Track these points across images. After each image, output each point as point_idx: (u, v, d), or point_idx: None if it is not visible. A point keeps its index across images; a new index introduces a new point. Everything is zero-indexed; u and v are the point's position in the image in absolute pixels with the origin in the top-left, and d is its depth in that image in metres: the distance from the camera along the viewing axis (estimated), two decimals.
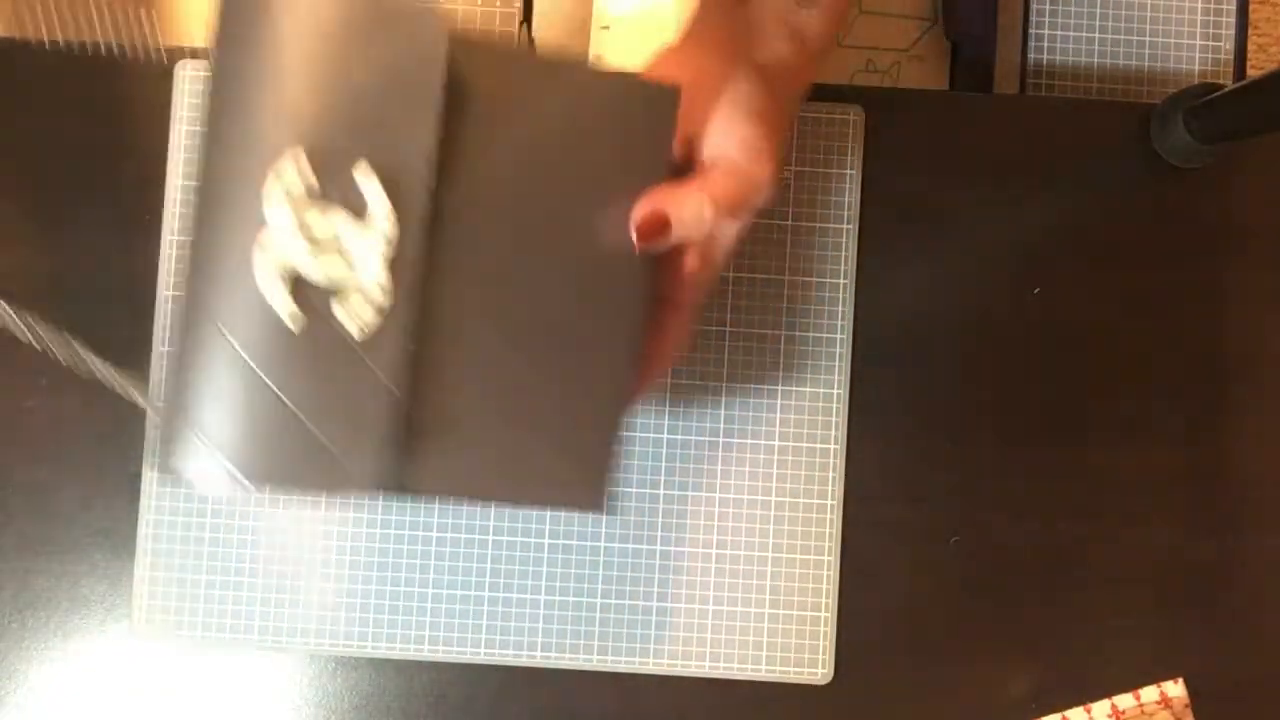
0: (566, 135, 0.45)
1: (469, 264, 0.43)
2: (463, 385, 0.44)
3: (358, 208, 0.38)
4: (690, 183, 0.46)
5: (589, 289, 0.46)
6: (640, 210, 0.46)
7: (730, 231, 0.49)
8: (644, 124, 0.46)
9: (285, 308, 0.39)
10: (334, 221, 0.38)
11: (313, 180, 0.38)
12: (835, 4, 0.51)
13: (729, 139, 0.47)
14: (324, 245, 0.38)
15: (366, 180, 0.39)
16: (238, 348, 0.39)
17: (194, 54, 0.65)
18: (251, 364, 0.39)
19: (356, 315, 0.40)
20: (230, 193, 0.38)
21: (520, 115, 0.43)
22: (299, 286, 0.39)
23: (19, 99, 0.65)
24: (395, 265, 0.40)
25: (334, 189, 0.38)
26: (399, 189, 0.39)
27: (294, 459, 0.40)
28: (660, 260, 0.48)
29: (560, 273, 0.45)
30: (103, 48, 0.65)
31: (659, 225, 0.45)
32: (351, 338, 0.40)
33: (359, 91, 0.38)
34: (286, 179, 0.38)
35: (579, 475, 0.47)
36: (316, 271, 0.39)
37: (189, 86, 0.65)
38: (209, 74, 0.38)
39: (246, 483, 0.40)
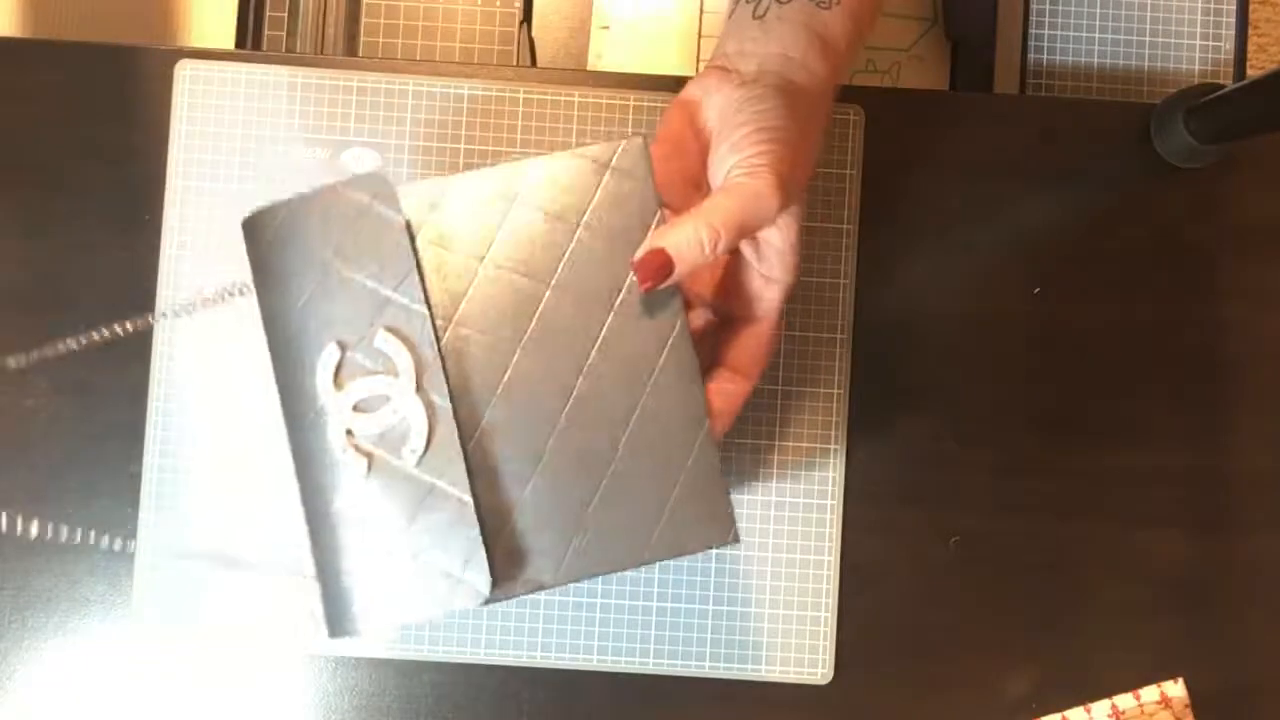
0: (549, 223, 0.49)
1: (497, 370, 0.49)
2: (541, 475, 0.49)
3: (388, 365, 0.48)
4: (687, 214, 0.47)
5: (627, 344, 0.49)
6: (639, 252, 0.48)
7: (779, 241, 0.50)
8: (621, 182, 0.49)
9: (352, 459, 0.47)
10: (371, 385, 0.47)
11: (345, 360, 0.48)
12: (858, 2, 0.51)
13: (730, 159, 0.48)
14: (370, 403, 0.48)
15: (386, 341, 0.48)
16: (343, 502, 0.47)
17: (194, 54, 0.65)
18: (355, 513, 0.47)
19: (409, 448, 0.47)
20: (295, 386, 0.48)
21: (496, 226, 0.49)
22: (360, 441, 0.48)
23: (19, 99, 0.65)
24: (426, 393, 0.47)
25: (366, 359, 0.48)
26: (412, 338, 0.48)
27: (418, 588, 0.47)
28: (726, 284, 0.52)
29: (592, 341, 0.49)
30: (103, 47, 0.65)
31: (659, 262, 0.47)
32: (409, 465, 0.47)
33: (356, 286, 0.48)
34: (328, 368, 0.48)
35: (702, 513, 0.49)
36: (366, 426, 0.47)
37: (189, 86, 0.65)
38: (259, 299, 0.49)
39: (390, 619, 0.47)
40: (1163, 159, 0.66)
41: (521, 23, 0.83)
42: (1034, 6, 0.84)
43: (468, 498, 0.47)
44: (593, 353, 0.49)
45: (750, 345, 0.52)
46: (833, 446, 0.65)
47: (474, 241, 0.49)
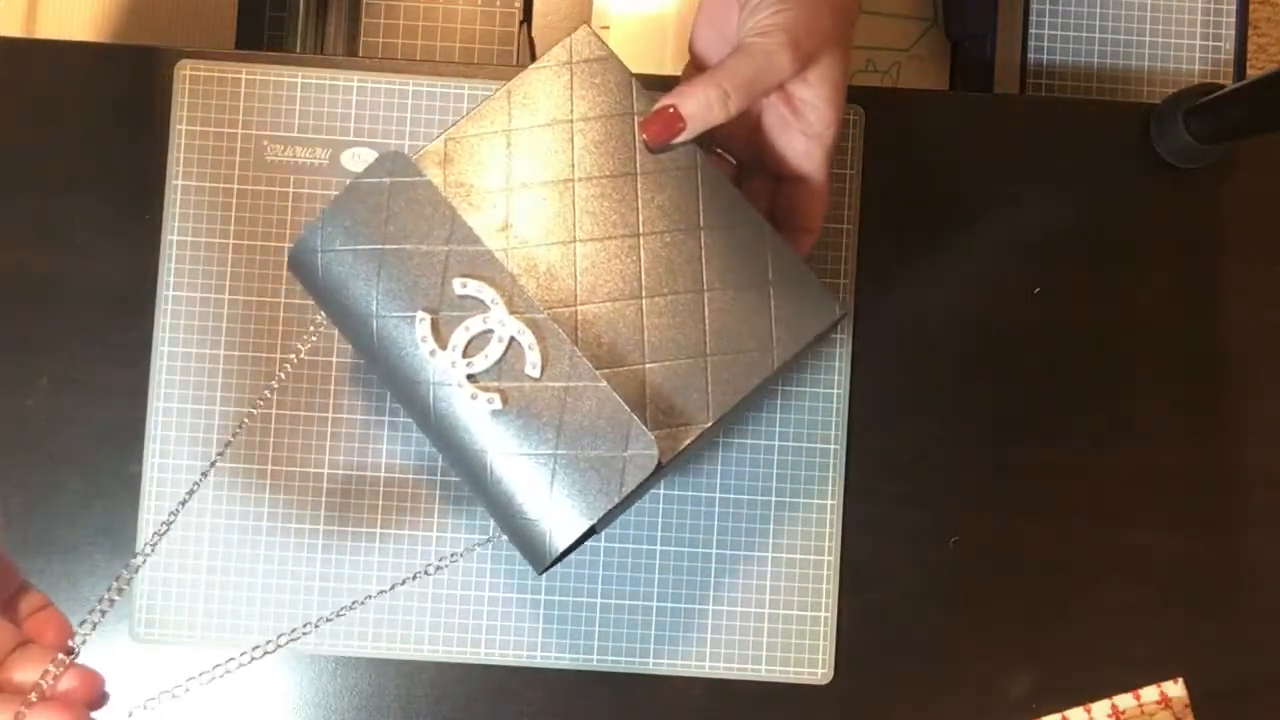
0: (546, 132, 0.53)
1: (567, 268, 0.52)
2: (649, 338, 0.52)
3: (476, 305, 0.50)
4: (699, 76, 0.50)
5: (665, 198, 0.53)
6: (652, 110, 0.51)
7: (813, 97, 0.52)
8: (587, 68, 0.53)
9: (484, 400, 0.50)
10: (469, 326, 0.50)
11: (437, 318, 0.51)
12: None
13: (747, 23, 0.50)
14: (474, 345, 0.50)
15: (463, 285, 0.50)
16: (494, 449, 0.50)
17: (194, 54, 0.65)
18: (511, 448, 0.50)
19: (529, 365, 0.50)
20: (406, 376, 0.51)
21: (504, 157, 0.53)
22: (481, 380, 0.50)
23: (19, 99, 0.65)
24: (520, 314, 0.50)
25: (454, 310, 0.50)
26: (485, 273, 0.50)
27: (592, 485, 0.49)
28: (771, 146, 0.54)
29: (634, 211, 0.53)
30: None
31: (665, 117, 0.50)
32: (533, 378, 0.50)
33: (415, 255, 0.50)
34: (426, 336, 0.50)
35: (804, 300, 0.52)
36: (482, 364, 0.50)
37: (189, 86, 0.65)
38: (335, 323, 0.52)
39: (584, 525, 0.49)
40: (1163, 159, 0.66)
41: (521, 23, 0.84)
42: (1034, 6, 0.84)
43: (602, 382, 0.49)
44: (640, 219, 0.52)
45: (804, 201, 0.55)
46: (833, 446, 0.65)
47: (492, 177, 0.52)
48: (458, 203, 0.52)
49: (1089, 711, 0.65)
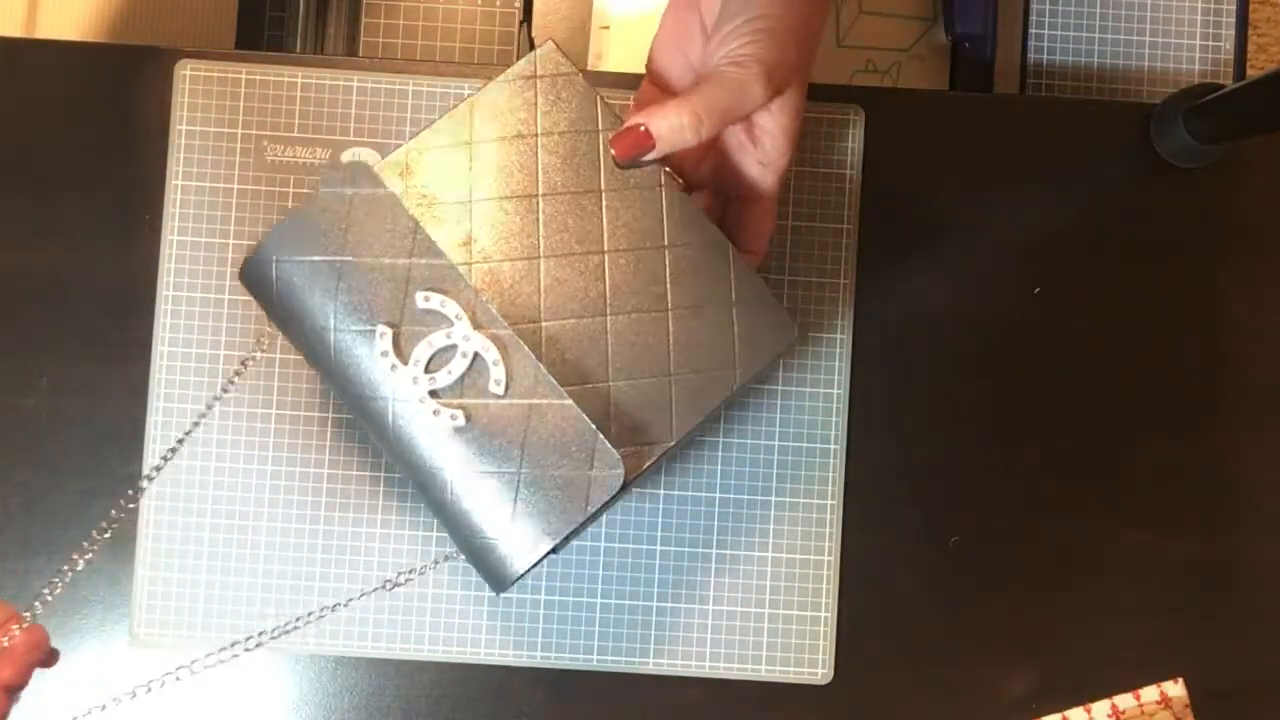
0: (511, 145, 0.52)
1: (532, 285, 0.51)
2: (613, 357, 0.51)
3: (439, 320, 0.49)
4: (673, 99, 0.50)
5: (631, 216, 0.52)
6: (622, 127, 0.51)
7: (773, 126, 0.52)
8: (553, 85, 0.53)
9: (447, 416, 0.49)
10: (431, 341, 0.49)
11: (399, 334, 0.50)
12: None
13: (720, 51, 0.50)
14: (437, 360, 0.49)
15: (426, 299, 0.49)
16: (455, 467, 0.49)
17: (194, 54, 0.65)
18: (471, 467, 0.49)
19: (493, 382, 0.49)
20: (362, 390, 0.50)
21: (467, 169, 0.52)
22: (444, 396, 0.49)
23: (19, 99, 0.65)
24: (485, 328, 0.49)
25: (416, 324, 0.49)
26: (449, 287, 0.50)
27: (556, 505, 0.48)
28: (725, 169, 0.54)
29: (599, 228, 0.52)
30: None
31: (635, 136, 0.50)
32: (498, 395, 0.49)
33: (376, 268, 0.50)
34: (387, 350, 0.49)
35: (765, 322, 0.52)
36: (445, 379, 0.49)
37: (189, 86, 0.65)
38: (287, 334, 0.51)
39: (545, 548, 0.48)
40: (1163, 159, 0.66)
41: (521, 23, 0.83)
42: (1034, 6, 0.84)
43: (568, 400, 0.49)
44: (605, 236, 0.52)
45: (753, 222, 0.55)
46: (833, 446, 0.65)
47: (455, 189, 0.51)
48: (420, 215, 0.51)
49: (1089, 711, 0.65)
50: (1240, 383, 0.66)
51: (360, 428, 0.58)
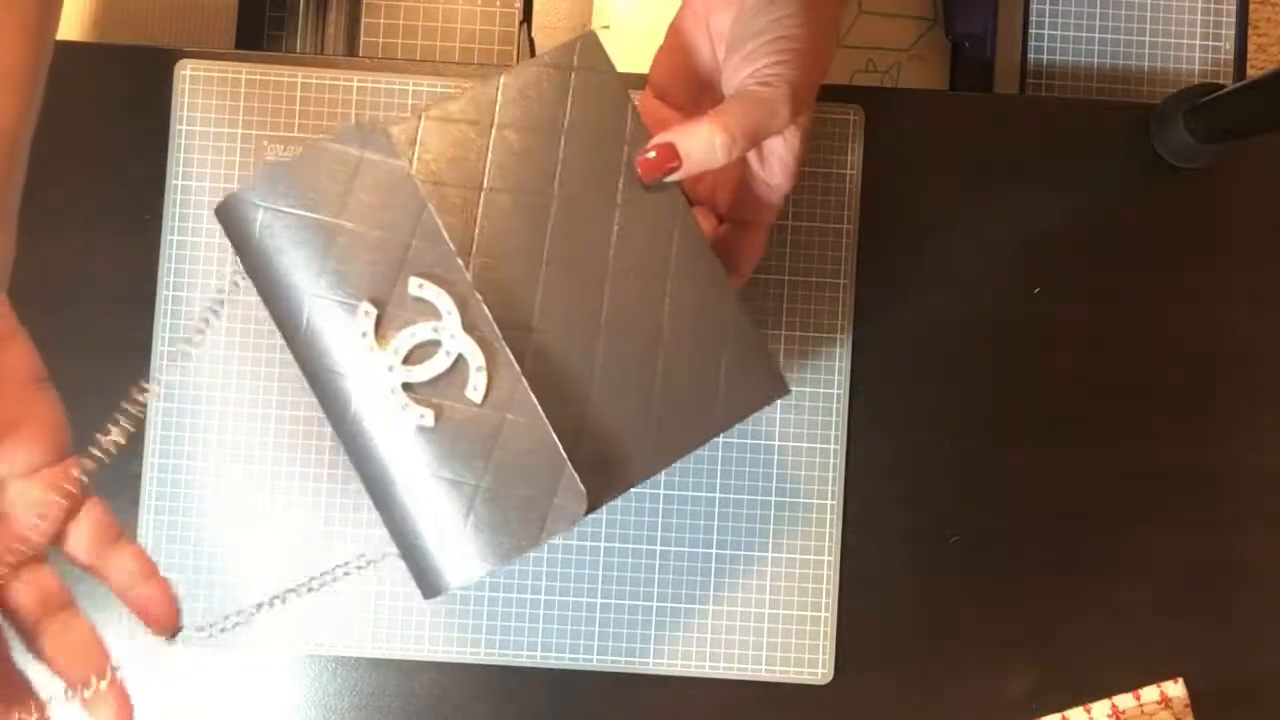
0: (532, 138, 0.49)
1: (529, 291, 0.48)
2: (599, 382, 0.48)
3: (428, 311, 0.46)
4: (703, 116, 0.48)
5: (641, 234, 0.49)
6: (650, 145, 0.49)
7: (783, 148, 0.51)
8: (588, 79, 0.49)
9: (415, 413, 0.46)
10: (415, 332, 0.46)
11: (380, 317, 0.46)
12: None
13: (744, 69, 0.49)
14: (417, 353, 0.46)
15: (420, 286, 0.46)
16: (412, 466, 0.46)
17: (194, 54, 0.65)
18: (430, 469, 0.46)
19: (471, 387, 0.46)
20: (329, 365, 0.46)
21: (481, 154, 0.48)
22: (417, 391, 0.46)
23: None
24: (473, 331, 0.46)
25: (403, 310, 0.46)
26: (447, 277, 0.46)
27: (510, 525, 0.46)
28: (738, 193, 0.53)
29: (608, 241, 0.49)
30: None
31: (665, 155, 0.48)
32: (474, 403, 0.46)
33: (373, 240, 0.46)
34: (368, 329, 0.46)
35: (753, 374, 0.50)
36: (422, 374, 0.46)
37: (189, 86, 0.65)
38: (260, 289, 0.47)
39: (489, 566, 0.46)
40: (1163, 159, 0.66)
41: (521, 23, 0.83)
42: (1034, 6, 0.84)
43: (543, 422, 0.46)
44: (611, 252, 0.49)
45: (744, 245, 0.54)
46: (833, 446, 0.65)
47: (466, 174, 0.48)
48: (425, 194, 0.47)
49: (1089, 711, 0.65)
50: (1240, 383, 0.66)
51: (312, 397, 0.51)
